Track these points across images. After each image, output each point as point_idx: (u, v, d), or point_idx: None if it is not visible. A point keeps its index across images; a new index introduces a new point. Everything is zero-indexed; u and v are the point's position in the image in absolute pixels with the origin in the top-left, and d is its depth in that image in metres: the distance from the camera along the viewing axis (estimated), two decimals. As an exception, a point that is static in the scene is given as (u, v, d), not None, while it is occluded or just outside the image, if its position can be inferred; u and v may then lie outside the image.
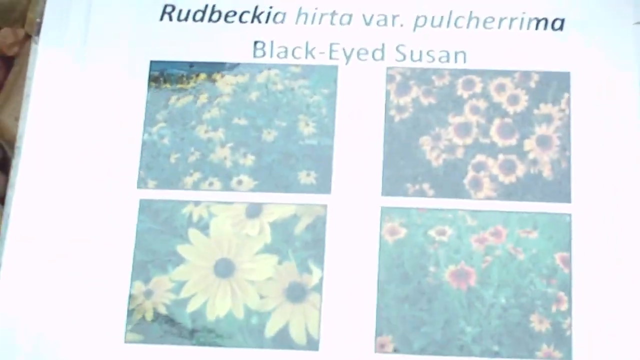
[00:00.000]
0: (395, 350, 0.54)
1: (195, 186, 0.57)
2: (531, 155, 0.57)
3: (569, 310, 0.54)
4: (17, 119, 0.58)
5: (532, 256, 0.55)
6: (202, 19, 0.60)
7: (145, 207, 0.56)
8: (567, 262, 0.55)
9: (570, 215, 0.56)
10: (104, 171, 0.57)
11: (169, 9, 0.60)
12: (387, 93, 0.58)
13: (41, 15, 0.60)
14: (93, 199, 0.56)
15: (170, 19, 0.60)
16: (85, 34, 0.59)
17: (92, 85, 0.58)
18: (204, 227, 0.56)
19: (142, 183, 0.57)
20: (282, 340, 0.54)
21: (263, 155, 0.57)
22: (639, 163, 0.57)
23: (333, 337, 0.54)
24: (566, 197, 0.56)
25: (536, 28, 0.59)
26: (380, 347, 0.54)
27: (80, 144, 0.57)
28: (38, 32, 0.59)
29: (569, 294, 0.55)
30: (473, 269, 0.55)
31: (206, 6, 0.60)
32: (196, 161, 0.57)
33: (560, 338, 0.54)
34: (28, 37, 0.61)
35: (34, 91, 0.58)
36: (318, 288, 0.55)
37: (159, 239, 0.56)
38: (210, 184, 0.57)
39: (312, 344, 0.54)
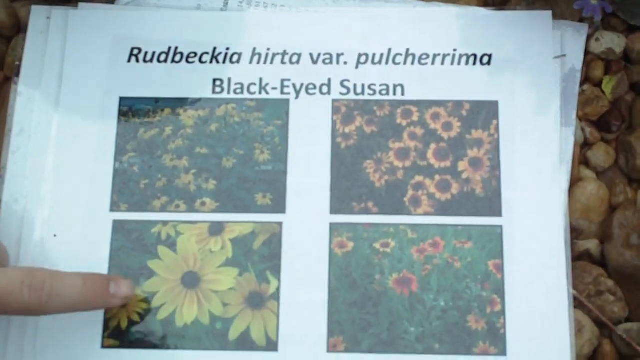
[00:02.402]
0: (346, 350, 0.67)
1: (163, 208, 0.70)
2: (464, 175, 0.71)
3: (503, 311, 0.67)
4: (0, 152, 0.72)
5: (467, 264, 0.68)
6: (165, 60, 0.74)
7: (118, 227, 0.70)
8: (500, 268, 0.68)
9: (501, 227, 0.69)
10: (80, 197, 0.69)
11: (135, 52, 0.74)
12: (334, 123, 0.72)
13: (20, 59, 0.74)
14: (72, 222, 0.68)
15: (137, 61, 0.74)
16: (60, 75, 0.73)
17: (67, 120, 0.71)
18: (171, 244, 0.69)
19: (114, 206, 0.70)
20: (244, 342, 0.67)
21: (223, 180, 0.71)
22: (558, 178, 0.70)
23: (290, 339, 0.67)
24: (497, 212, 0.70)
25: (466, 63, 0.73)
26: (333, 347, 0.67)
27: (58, 173, 0.70)
28: (17, 74, 0.73)
29: (502, 296, 0.68)
30: (414, 276, 0.68)
31: (169, 48, 0.74)
32: (163, 186, 0.71)
33: (495, 336, 0.67)
34: (7, 79, 0.74)
35: (15, 127, 0.72)
36: (275, 296, 0.68)
37: (131, 256, 0.69)
38: (177, 206, 0.70)
39: (271, 346, 0.67)
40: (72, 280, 0.61)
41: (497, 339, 0.66)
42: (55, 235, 0.67)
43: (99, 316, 0.66)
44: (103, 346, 0.66)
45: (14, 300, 0.58)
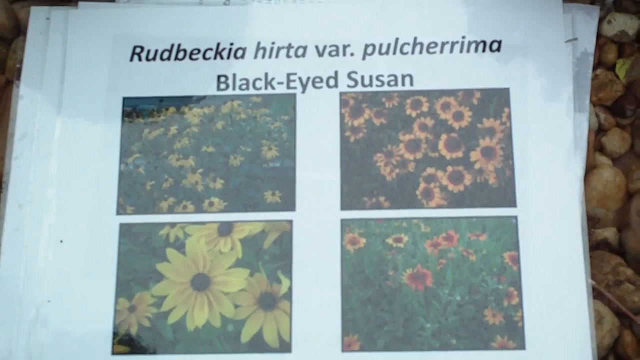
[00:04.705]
0: (361, 349, 0.65)
1: (171, 210, 0.68)
2: (477, 166, 0.68)
3: (520, 304, 0.65)
4: (2, 157, 0.69)
5: (482, 257, 0.66)
6: (168, 58, 0.71)
7: (125, 230, 0.67)
8: (516, 260, 0.66)
9: (516, 217, 0.67)
10: (86, 200, 0.67)
11: (138, 50, 0.71)
12: (342, 116, 0.70)
13: (20, 61, 0.71)
14: (78, 226, 0.67)
15: (140, 59, 0.71)
16: (61, 76, 0.70)
17: (70, 122, 0.69)
18: (180, 246, 0.67)
19: (121, 209, 0.68)
20: (257, 344, 0.65)
21: (231, 178, 0.68)
22: (573, 166, 0.67)
23: (304, 340, 0.64)
24: (511, 202, 0.67)
25: (475, 51, 0.71)
26: (348, 346, 0.65)
27: (62, 177, 0.68)
28: (18, 77, 0.71)
29: (519, 289, 0.65)
30: (429, 271, 0.66)
31: (172, 45, 0.71)
32: (170, 187, 0.68)
33: (513, 329, 0.64)
34: (9, 83, 0.71)
35: (17, 131, 0.69)
36: (287, 296, 0.66)
37: (139, 259, 0.67)
38: (184, 207, 0.68)
39: (284, 347, 0.65)
40: None
41: (515, 332, 0.64)
42: (61, 241, 0.65)
43: (108, 322, 0.64)
44: (113, 353, 0.64)
45: None
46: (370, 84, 0.69)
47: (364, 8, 0.71)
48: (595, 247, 0.66)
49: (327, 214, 0.66)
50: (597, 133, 0.69)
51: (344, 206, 0.66)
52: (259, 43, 0.70)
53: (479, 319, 0.64)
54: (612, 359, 0.64)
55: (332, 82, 0.69)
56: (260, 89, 0.69)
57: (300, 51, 0.70)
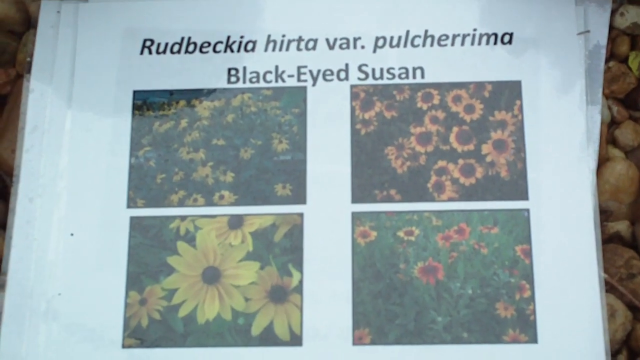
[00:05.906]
0: (373, 342, 0.64)
1: (181, 203, 0.68)
2: (488, 159, 0.67)
3: (532, 297, 0.64)
4: (13, 151, 0.69)
5: (494, 250, 0.65)
6: (179, 51, 0.71)
7: (136, 224, 0.67)
8: (528, 253, 0.65)
9: (528, 210, 0.66)
10: (96, 194, 0.67)
11: (148, 43, 0.71)
12: (353, 109, 0.69)
13: (31, 55, 0.71)
14: (88, 220, 0.66)
15: (150, 52, 0.71)
16: (72, 70, 0.70)
17: (80, 116, 0.69)
18: (190, 240, 0.67)
19: (131, 202, 0.68)
20: (268, 338, 0.64)
21: (241, 171, 0.68)
22: (585, 159, 0.66)
23: (314, 333, 0.64)
24: (523, 195, 0.66)
25: (487, 43, 0.70)
26: (359, 340, 0.64)
27: (73, 170, 0.67)
28: (29, 70, 0.70)
29: (531, 282, 0.65)
30: (440, 264, 0.66)
31: (182, 38, 0.71)
32: (180, 180, 0.68)
33: (525, 323, 0.64)
34: (19, 77, 0.71)
35: (28, 125, 0.69)
36: (298, 289, 0.65)
37: (150, 252, 0.66)
38: (195, 200, 0.68)
39: (295, 340, 0.64)
40: None
41: (527, 326, 0.63)
42: (72, 234, 0.65)
43: (118, 315, 0.64)
44: (124, 346, 0.64)
45: None
46: (381, 77, 0.69)
47: (375, 1, 0.70)
48: (608, 241, 0.65)
49: (338, 207, 0.66)
50: (610, 126, 0.68)
51: (355, 199, 0.66)
52: (269, 36, 0.70)
53: (490, 312, 0.63)
54: (625, 352, 0.64)
55: (342, 74, 0.69)
56: (270, 82, 0.69)
57: (310, 44, 0.69)
